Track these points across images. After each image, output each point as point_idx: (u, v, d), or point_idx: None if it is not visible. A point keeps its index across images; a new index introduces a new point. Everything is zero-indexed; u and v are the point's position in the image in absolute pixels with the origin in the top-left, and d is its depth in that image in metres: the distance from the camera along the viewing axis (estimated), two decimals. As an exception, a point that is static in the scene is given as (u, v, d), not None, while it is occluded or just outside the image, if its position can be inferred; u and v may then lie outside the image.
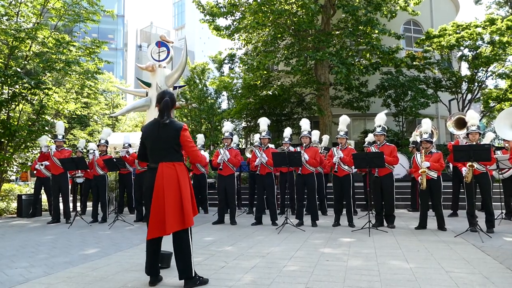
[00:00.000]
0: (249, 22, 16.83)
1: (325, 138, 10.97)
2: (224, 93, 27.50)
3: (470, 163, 6.20)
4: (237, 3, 17.65)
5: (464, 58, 18.13)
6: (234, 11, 17.81)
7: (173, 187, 3.57)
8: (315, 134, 9.69)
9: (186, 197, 3.60)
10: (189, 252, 3.60)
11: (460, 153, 6.28)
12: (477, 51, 17.28)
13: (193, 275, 3.60)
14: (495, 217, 6.76)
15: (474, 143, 6.45)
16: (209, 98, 28.66)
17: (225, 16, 17.98)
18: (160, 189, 3.57)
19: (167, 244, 3.95)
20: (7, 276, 4.18)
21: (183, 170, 3.68)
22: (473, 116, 6.75)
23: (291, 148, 8.60)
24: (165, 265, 4.25)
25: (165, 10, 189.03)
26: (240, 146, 19.76)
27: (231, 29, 18.25)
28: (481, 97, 20.13)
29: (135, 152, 9.12)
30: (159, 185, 3.58)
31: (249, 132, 22.10)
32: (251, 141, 19.59)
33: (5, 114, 11.93)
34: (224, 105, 30.35)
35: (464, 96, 18.77)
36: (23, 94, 11.93)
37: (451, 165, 9.02)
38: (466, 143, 7.13)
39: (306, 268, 4.26)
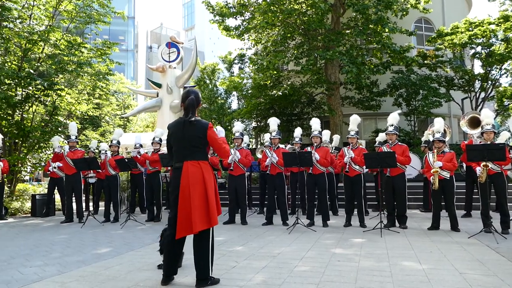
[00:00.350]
0: (259, 22, 16.83)
1: (336, 138, 10.91)
2: (234, 93, 27.55)
3: (484, 163, 6.12)
4: (247, 3, 17.66)
5: (477, 56, 17.90)
6: (243, 11, 17.82)
7: (199, 186, 3.55)
8: (326, 134, 9.66)
9: (211, 195, 3.58)
10: (209, 252, 3.59)
11: (474, 152, 6.19)
12: (491, 49, 17.05)
13: (209, 275, 3.60)
14: (510, 218, 6.65)
15: (489, 142, 6.36)
16: (219, 98, 28.76)
17: (234, 16, 18.01)
18: (186, 188, 3.55)
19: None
20: (21, 275, 4.23)
21: (208, 168, 3.66)
22: (487, 115, 6.65)
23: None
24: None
25: (175, 11, 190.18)
26: (250, 146, 19.77)
27: (240, 29, 18.26)
28: (495, 96, 19.85)
29: (146, 153, 9.18)
30: (184, 184, 3.56)
31: (259, 132, 22.11)
32: (262, 141, 19.60)
33: (19, 115, 12.12)
34: (234, 105, 30.43)
35: (478, 94, 18.55)
36: (36, 96, 12.11)
37: (464, 165, 8.91)
38: (480, 142, 7.03)
39: (317, 268, 4.24)
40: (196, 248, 3.60)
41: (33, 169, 13.42)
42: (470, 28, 17.39)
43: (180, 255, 3.73)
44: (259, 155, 10.10)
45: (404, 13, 16.79)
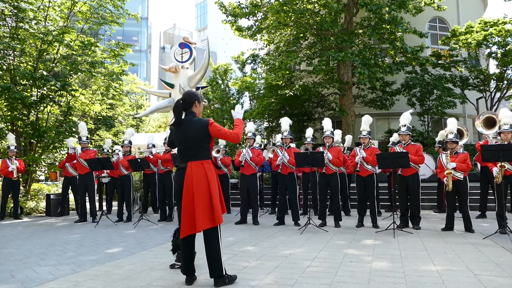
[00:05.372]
0: (271, 22, 16.82)
1: (348, 138, 10.86)
2: (246, 93, 27.58)
3: (501, 163, 6.03)
4: (259, 4, 17.66)
5: (492, 55, 17.64)
6: (256, 11, 17.81)
7: (202, 186, 3.60)
8: (338, 133, 9.61)
9: (215, 195, 3.63)
10: (219, 250, 3.62)
11: (489, 153, 6.10)
12: (506, 48, 16.77)
13: (224, 273, 3.63)
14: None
15: (506, 142, 6.26)
16: (231, 98, 28.81)
17: (247, 17, 18.01)
18: (190, 188, 3.60)
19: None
20: (36, 274, 4.29)
21: (211, 168, 3.70)
22: (506, 115, 6.51)
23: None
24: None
25: (187, 12, 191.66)
26: (262, 147, 19.88)
27: (253, 29, 18.27)
28: (511, 95, 19.54)
29: (158, 153, 9.23)
30: (188, 184, 3.61)
31: (271, 132, 22.11)
32: (273, 141, 19.58)
33: (34, 116, 12.29)
34: (246, 106, 30.44)
35: (493, 94, 18.27)
36: (51, 96, 12.27)
37: (479, 165, 8.79)
38: (495, 142, 6.93)
39: (329, 269, 4.22)
40: (207, 248, 3.64)
41: (48, 169, 13.59)
42: (485, 28, 17.13)
43: (193, 254, 3.76)
44: (270, 155, 10.09)
45: (418, 11, 16.55)
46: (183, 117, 3.80)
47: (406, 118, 7.17)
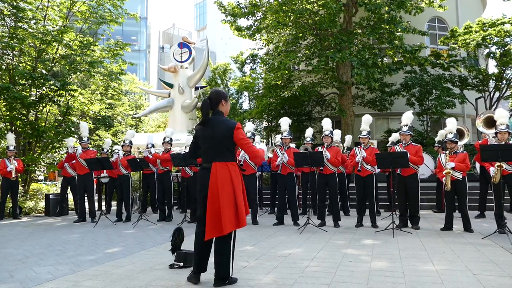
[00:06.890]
0: (270, 22, 16.79)
1: (348, 138, 10.85)
2: (246, 93, 27.55)
3: (498, 163, 6.04)
4: (258, 3, 17.65)
5: (491, 55, 17.65)
6: (255, 11, 17.81)
7: (227, 187, 3.55)
8: (337, 133, 9.61)
9: (240, 196, 3.59)
10: (230, 251, 3.61)
11: (488, 152, 6.11)
12: (505, 48, 16.78)
13: (230, 275, 3.62)
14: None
15: (503, 142, 6.27)
16: (230, 98, 28.79)
17: (246, 17, 18.01)
18: (215, 190, 3.54)
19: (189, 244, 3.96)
20: (35, 274, 4.29)
21: (235, 170, 3.66)
22: (502, 115, 6.55)
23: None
24: (188, 264, 4.27)
25: (187, 12, 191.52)
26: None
27: (252, 29, 18.26)
28: (510, 95, 19.55)
29: (157, 152, 9.23)
30: (213, 186, 3.56)
31: (270, 132, 22.09)
32: (273, 141, 19.56)
33: (33, 116, 12.27)
34: (246, 106, 30.43)
35: (492, 94, 18.28)
36: (50, 96, 12.25)
37: (477, 165, 8.79)
38: (495, 142, 6.94)
39: (329, 268, 4.22)
40: (218, 247, 3.60)
41: (47, 169, 13.59)
42: (484, 28, 17.13)
43: (209, 252, 3.73)
44: (270, 155, 10.09)
45: (418, 11, 16.54)
46: (210, 115, 3.75)
47: (408, 118, 7.16)
